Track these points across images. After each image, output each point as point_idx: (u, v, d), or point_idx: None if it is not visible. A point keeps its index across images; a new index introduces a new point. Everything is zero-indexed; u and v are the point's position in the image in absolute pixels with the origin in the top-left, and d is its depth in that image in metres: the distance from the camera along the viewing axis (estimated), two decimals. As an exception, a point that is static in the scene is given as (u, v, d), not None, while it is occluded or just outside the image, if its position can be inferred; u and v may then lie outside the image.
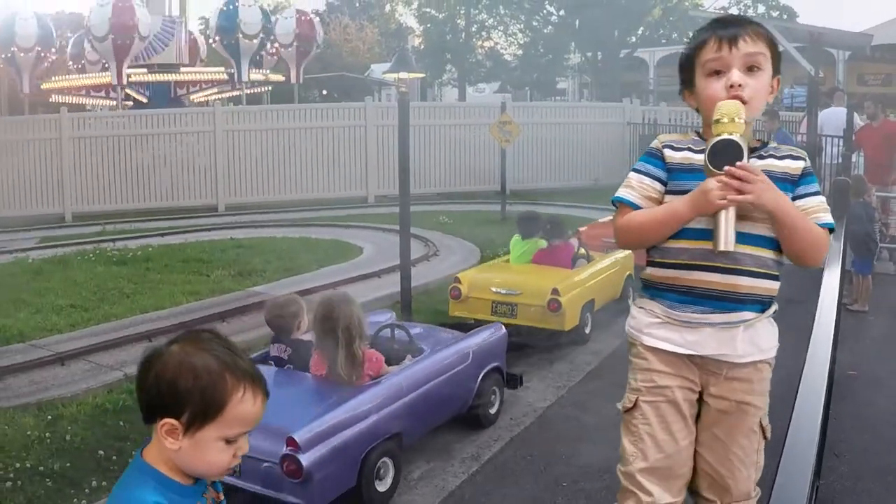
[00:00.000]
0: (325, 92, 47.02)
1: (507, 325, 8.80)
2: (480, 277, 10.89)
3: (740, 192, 3.02)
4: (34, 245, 18.52)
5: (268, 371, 6.79)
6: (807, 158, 3.35)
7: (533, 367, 9.57)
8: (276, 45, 32.70)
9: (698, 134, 3.40)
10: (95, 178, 23.56)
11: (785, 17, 45.41)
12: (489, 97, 52.11)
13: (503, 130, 19.60)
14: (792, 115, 23.23)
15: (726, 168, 3.02)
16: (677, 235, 3.25)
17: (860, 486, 6.43)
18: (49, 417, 8.10)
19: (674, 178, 3.31)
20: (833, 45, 27.24)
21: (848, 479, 6.53)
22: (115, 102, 29.73)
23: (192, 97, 32.70)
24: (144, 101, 30.84)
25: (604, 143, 27.13)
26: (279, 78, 34.48)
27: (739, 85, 3.16)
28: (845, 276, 9.57)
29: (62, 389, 8.94)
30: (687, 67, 3.37)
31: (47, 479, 6.90)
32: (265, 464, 5.88)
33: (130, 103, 30.51)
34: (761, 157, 3.26)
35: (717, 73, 3.23)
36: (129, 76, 28.96)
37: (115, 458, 7.25)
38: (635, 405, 3.43)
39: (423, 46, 54.41)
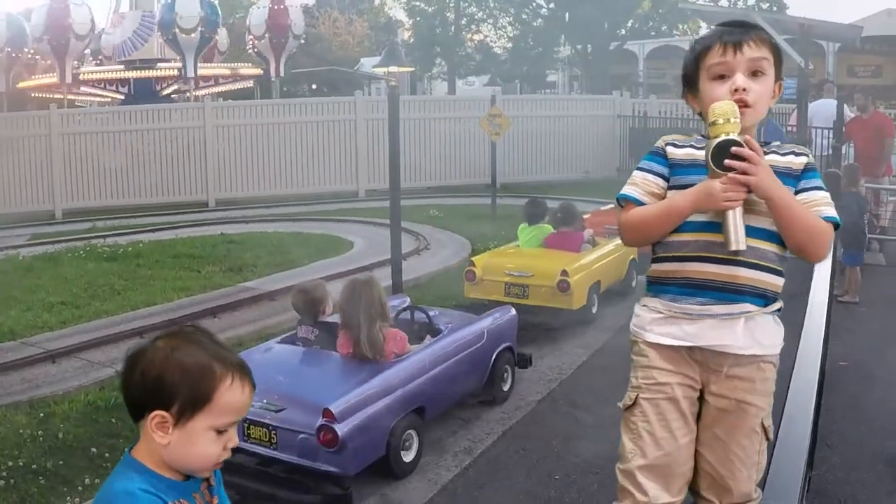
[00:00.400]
0: (314, 86, 46.92)
1: (518, 306, 9.50)
2: (493, 261, 11.61)
3: (745, 181, 3.03)
4: (25, 242, 18.47)
5: (297, 351, 7.61)
6: (809, 155, 3.36)
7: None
8: (251, 37, 32.50)
9: (702, 136, 3.41)
10: (85, 175, 23.49)
11: (775, 8, 45.41)
12: (479, 90, 52.14)
13: (493, 123, 19.58)
14: (782, 107, 23.26)
15: (727, 162, 3.02)
16: (679, 229, 3.26)
17: (853, 476, 6.46)
18: (41, 415, 8.09)
19: (676, 173, 3.32)
20: (823, 36, 27.32)
21: (840, 470, 6.55)
22: (97, 99, 29.67)
23: (175, 93, 32.44)
24: (121, 97, 30.63)
25: (594, 136, 27.14)
26: (255, 71, 34.16)
27: (744, 89, 3.17)
28: (836, 268, 9.59)
29: (54, 387, 8.93)
30: (691, 71, 3.38)
31: (40, 477, 6.90)
32: (301, 435, 6.40)
33: (116, 97, 30.42)
34: (764, 154, 3.27)
35: (722, 77, 3.24)
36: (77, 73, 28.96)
37: (107, 455, 7.24)
38: (635, 403, 3.42)
39: (412, 40, 54.35)
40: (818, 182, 3.28)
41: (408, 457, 6.98)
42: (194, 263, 15.06)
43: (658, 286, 3.41)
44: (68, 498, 6.68)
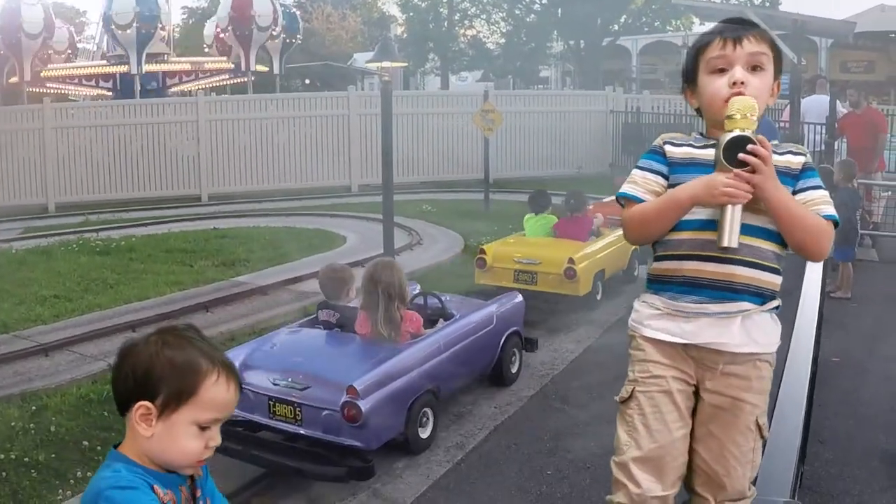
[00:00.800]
0: (307, 81, 46.89)
1: (525, 291, 10.04)
2: (503, 249, 12.06)
3: (750, 179, 3.03)
4: (17, 235, 18.46)
5: (319, 333, 7.96)
6: (807, 154, 3.36)
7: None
8: (218, 29, 32.38)
9: (701, 134, 3.41)
10: (79, 169, 23.43)
11: (768, 4, 45.42)
12: (472, 86, 52.10)
13: (486, 119, 19.59)
14: (775, 103, 23.25)
15: (741, 156, 3.02)
16: (678, 227, 3.26)
17: (845, 472, 6.47)
18: (33, 408, 8.09)
19: (675, 171, 3.32)
20: (816, 32, 27.31)
21: (833, 465, 6.56)
22: (107, 92, 29.70)
23: (172, 88, 32.34)
24: (109, 94, 30.70)
25: (587, 132, 27.16)
26: (223, 66, 33.74)
27: (742, 82, 3.18)
28: (828, 264, 9.61)
29: (46, 380, 8.93)
30: (691, 67, 3.39)
31: (32, 471, 6.90)
32: (325, 412, 6.75)
33: (110, 93, 30.42)
34: None
35: (721, 70, 3.25)
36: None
37: (99, 448, 7.25)
38: (631, 396, 3.43)
39: (405, 35, 54.26)
40: (817, 181, 3.29)
41: (424, 433, 7.34)
42: (187, 258, 15.05)
43: (658, 284, 3.41)
44: (60, 491, 6.68)
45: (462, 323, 8.25)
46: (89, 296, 12.30)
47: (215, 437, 2.38)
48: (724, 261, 3.20)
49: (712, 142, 3.22)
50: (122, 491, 2.24)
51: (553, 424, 7.76)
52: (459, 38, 53.63)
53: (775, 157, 3.23)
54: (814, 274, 6.03)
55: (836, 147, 16.48)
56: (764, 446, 3.47)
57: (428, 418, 7.39)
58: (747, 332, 3.26)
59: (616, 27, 47.80)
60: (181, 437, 2.32)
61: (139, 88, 29.04)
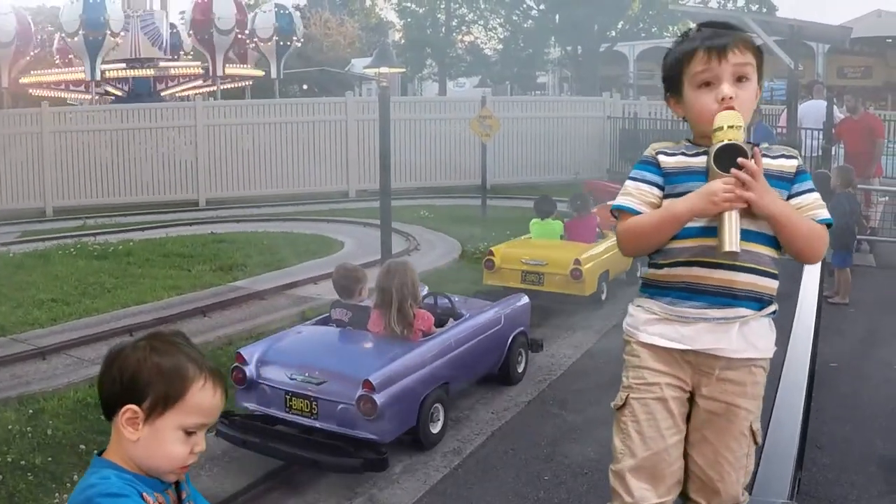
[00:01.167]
0: (305, 87, 46.91)
1: (532, 292, 10.47)
2: (511, 251, 12.33)
3: (742, 196, 3.03)
4: (15, 239, 18.42)
5: (332, 331, 8.19)
6: (799, 157, 3.36)
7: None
8: (189, 32, 32.34)
9: (689, 141, 3.40)
10: (76, 173, 23.41)
11: (764, 10, 45.49)
12: (469, 92, 52.18)
13: (483, 125, 19.59)
14: (772, 109, 23.27)
15: (733, 171, 3.03)
16: (677, 235, 3.24)
17: (843, 478, 6.47)
18: (30, 411, 8.08)
19: (671, 181, 3.29)
20: (813, 38, 27.34)
21: (830, 471, 6.56)
22: (93, 97, 29.55)
23: (169, 92, 32.18)
24: (121, 94, 30.52)
25: (584, 138, 27.11)
26: (194, 71, 33.36)
27: (731, 98, 3.17)
28: (826, 270, 9.61)
29: (43, 383, 8.92)
30: (674, 76, 3.36)
31: (28, 474, 6.89)
32: (340, 405, 6.98)
33: (112, 97, 30.36)
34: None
35: (707, 84, 3.23)
36: (103, 72, 29.06)
37: (96, 451, 7.23)
38: (625, 403, 3.42)
39: (403, 41, 54.37)
40: (810, 184, 3.29)
41: (435, 428, 7.56)
42: (184, 262, 15.03)
43: (654, 289, 3.39)
44: (56, 494, 6.68)
45: (472, 322, 8.51)
46: (87, 300, 12.30)
47: (200, 443, 2.39)
48: (725, 266, 3.19)
49: (703, 149, 3.21)
50: (113, 499, 2.25)
51: (550, 430, 7.76)
52: (457, 44, 53.82)
53: (769, 162, 3.22)
54: (812, 279, 6.04)
55: (833, 152, 16.50)
56: (760, 452, 3.47)
57: (439, 413, 7.61)
58: (745, 337, 3.26)
59: (613, 33, 47.96)
60: (167, 441, 2.33)
61: (129, 92, 29.54)
